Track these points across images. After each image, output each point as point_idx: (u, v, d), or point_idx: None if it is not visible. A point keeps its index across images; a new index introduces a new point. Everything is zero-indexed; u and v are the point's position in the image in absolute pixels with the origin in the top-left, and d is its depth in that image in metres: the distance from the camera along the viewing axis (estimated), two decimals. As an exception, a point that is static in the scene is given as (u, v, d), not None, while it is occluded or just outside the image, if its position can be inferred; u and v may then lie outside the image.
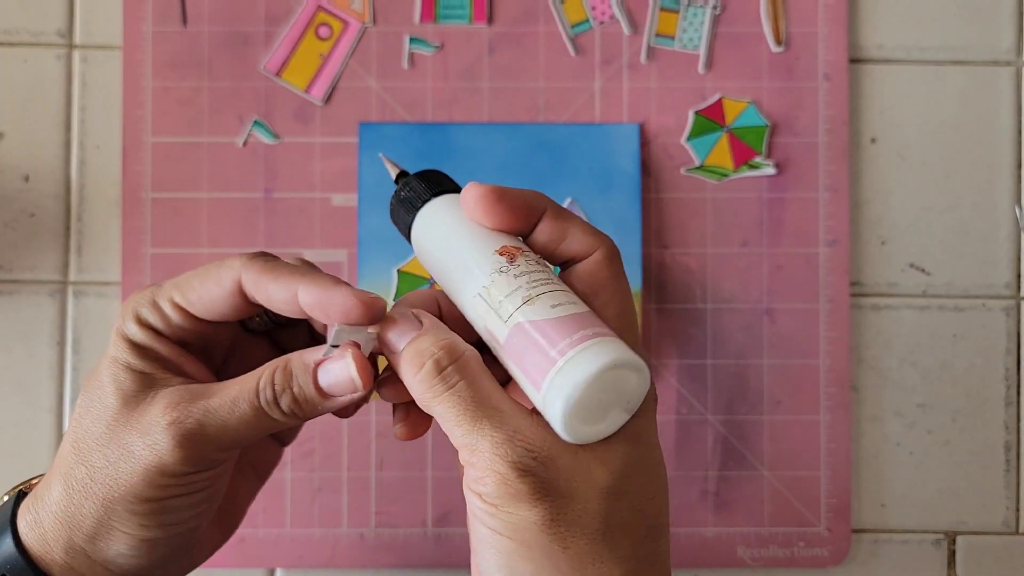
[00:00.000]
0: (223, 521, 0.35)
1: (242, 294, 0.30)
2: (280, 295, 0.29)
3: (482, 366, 0.27)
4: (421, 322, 0.28)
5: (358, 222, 0.48)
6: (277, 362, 0.30)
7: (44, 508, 0.31)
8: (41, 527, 0.30)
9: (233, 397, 0.29)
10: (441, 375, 0.27)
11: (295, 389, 0.29)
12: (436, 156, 0.48)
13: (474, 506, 0.27)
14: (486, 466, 0.26)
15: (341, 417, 0.32)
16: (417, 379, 0.27)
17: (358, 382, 0.29)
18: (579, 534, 0.26)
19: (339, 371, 0.29)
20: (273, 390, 0.29)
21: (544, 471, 0.26)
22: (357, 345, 0.29)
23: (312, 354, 0.29)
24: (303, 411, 0.29)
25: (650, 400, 0.28)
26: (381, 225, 0.47)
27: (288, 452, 0.47)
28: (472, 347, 0.28)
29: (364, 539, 0.47)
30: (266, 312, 0.32)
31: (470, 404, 0.26)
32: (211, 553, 0.35)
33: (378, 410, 0.48)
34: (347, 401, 0.29)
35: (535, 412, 0.27)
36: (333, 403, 0.29)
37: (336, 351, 0.29)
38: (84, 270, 0.48)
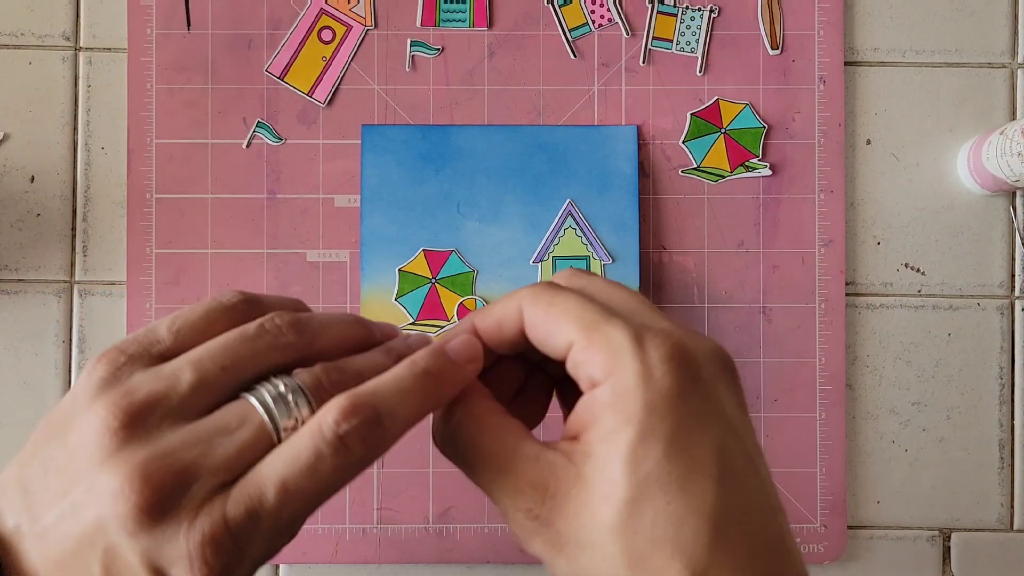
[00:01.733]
0: None
1: None
2: None
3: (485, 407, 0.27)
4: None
5: (360, 223, 0.48)
6: None
7: None
8: None
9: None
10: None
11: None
12: (437, 157, 0.48)
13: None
14: (505, 518, 0.26)
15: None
16: None
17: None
18: (591, 567, 0.24)
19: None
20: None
21: (538, 522, 0.25)
22: None
23: None
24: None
25: (667, 387, 0.25)
26: (383, 225, 0.48)
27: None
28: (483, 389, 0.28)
29: (367, 535, 0.48)
30: None
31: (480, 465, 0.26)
32: None
33: (380, 408, 0.48)
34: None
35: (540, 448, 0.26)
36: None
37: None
38: (90, 270, 0.49)
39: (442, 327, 0.48)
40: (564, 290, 0.27)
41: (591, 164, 0.48)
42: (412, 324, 0.48)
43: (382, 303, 0.48)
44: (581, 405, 0.26)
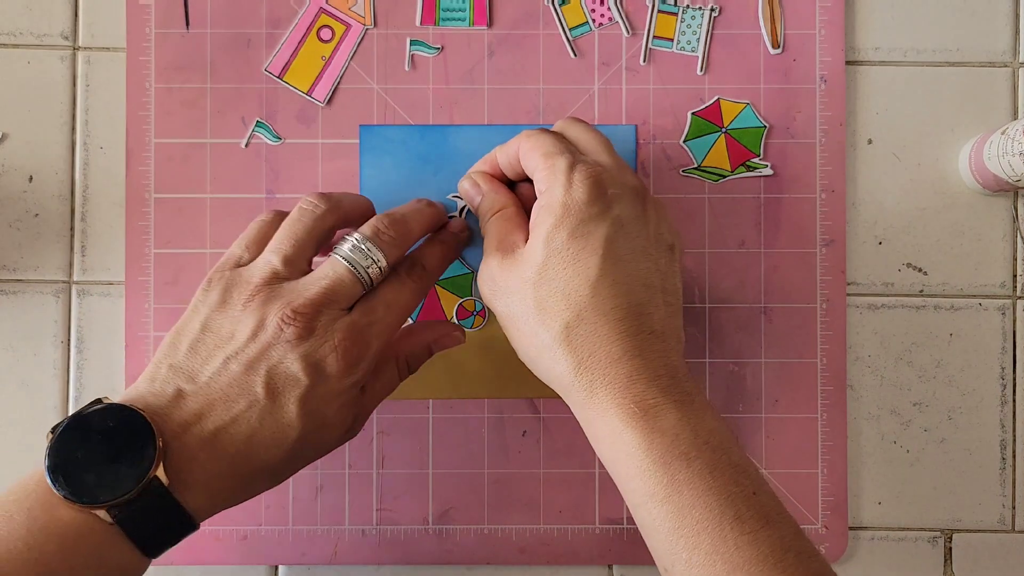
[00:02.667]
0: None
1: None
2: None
3: (502, 218, 0.41)
4: (480, 188, 0.43)
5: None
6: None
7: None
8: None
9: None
10: (485, 226, 0.42)
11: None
12: (435, 158, 0.48)
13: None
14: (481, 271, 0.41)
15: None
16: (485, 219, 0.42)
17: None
18: (518, 316, 0.38)
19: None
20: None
21: (494, 282, 0.39)
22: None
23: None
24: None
25: (578, 197, 0.38)
26: None
27: (290, 450, 0.48)
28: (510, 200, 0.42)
29: (366, 536, 0.48)
30: None
31: (486, 242, 0.41)
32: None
33: (380, 409, 0.48)
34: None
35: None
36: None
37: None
38: (88, 270, 0.49)
39: (442, 327, 0.48)
40: (546, 132, 0.41)
41: None
42: None
43: None
44: (533, 210, 0.39)
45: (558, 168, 0.38)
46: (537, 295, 0.37)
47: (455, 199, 0.48)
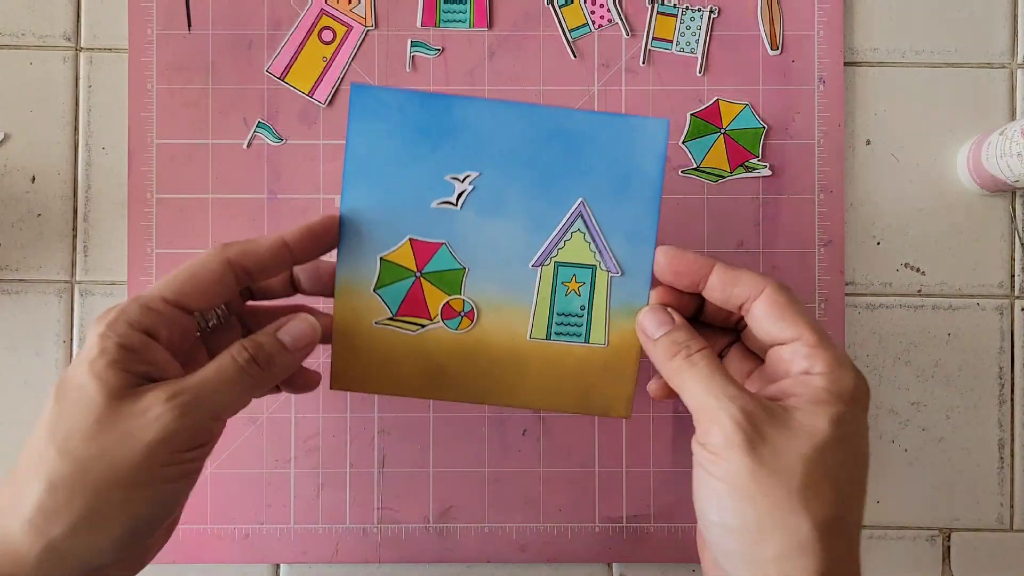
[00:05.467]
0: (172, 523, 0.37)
1: (233, 274, 0.36)
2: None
3: (713, 357, 0.36)
4: (674, 319, 0.38)
5: (341, 200, 0.40)
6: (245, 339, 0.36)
7: (14, 516, 0.31)
8: (12, 537, 0.31)
9: (216, 367, 0.34)
10: (688, 359, 0.36)
11: (265, 346, 0.36)
12: (435, 132, 0.40)
13: (700, 456, 0.35)
14: (712, 420, 0.34)
15: (293, 392, 0.40)
16: (668, 362, 0.37)
17: (316, 327, 0.38)
18: (778, 485, 0.32)
19: (297, 326, 0.37)
20: (248, 352, 0.35)
21: (754, 430, 0.33)
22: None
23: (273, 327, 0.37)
24: (273, 365, 0.36)
25: (861, 393, 0.35)
26: (368, 207, 0.40)
27: (293, 448, 0.48)
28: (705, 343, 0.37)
29: (367, 534, 0.48)
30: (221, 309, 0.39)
31: (705, 378, 0.35)
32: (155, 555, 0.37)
33: (380, 407, 0.48)
34: (306, 348, 0.37)
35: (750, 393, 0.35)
36: (294, 356, 0.37)
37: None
38: (90, 270, 0.49)
39: (423, 325, 0.41)
40: (798, 300, 0.37)
41: (611, 159, 0.39)
42: (391, 320, 0.41)
43: (359, 294, 0.40)
44: (790, 382, 0.35)
45: (841, 357, 0.35)
46: (807, 475, 0.33)
47: (452, 180, 0.40)
